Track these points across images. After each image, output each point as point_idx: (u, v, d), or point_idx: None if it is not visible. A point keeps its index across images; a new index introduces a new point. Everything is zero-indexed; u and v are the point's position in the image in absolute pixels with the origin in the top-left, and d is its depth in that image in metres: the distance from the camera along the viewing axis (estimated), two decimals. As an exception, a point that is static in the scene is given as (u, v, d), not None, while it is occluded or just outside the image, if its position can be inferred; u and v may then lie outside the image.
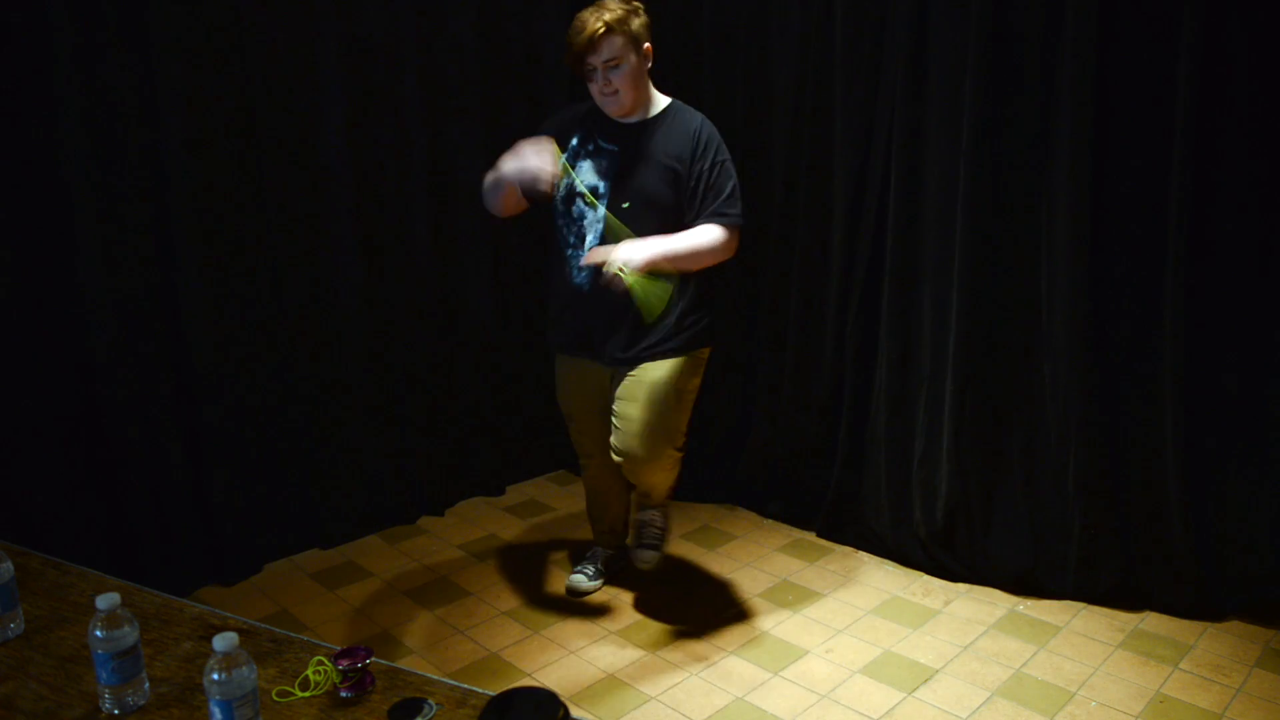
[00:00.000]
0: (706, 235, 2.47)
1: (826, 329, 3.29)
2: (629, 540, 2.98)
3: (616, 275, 2.33)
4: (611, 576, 3.04)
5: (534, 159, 2.35)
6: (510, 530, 3.48)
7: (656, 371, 2.55)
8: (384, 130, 3.26)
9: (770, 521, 3.50)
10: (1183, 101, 2.51)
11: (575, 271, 2.56)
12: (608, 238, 2.47)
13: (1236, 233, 2.56)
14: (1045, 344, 2.85)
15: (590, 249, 2.49)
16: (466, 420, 3.67)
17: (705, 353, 2.67)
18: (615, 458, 2.64)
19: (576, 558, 3.24)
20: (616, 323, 2.54)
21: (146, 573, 2.78)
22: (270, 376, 3.12)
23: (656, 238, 2.41)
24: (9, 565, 1.55)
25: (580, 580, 2.96)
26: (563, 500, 3.75)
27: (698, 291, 2.58)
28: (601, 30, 2.36)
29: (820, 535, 3.38)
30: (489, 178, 2.54)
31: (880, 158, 3.07)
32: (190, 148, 2.82)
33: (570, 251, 2.58)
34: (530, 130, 3.65)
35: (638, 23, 2.44)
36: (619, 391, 2.60)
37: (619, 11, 2.41)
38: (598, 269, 2.42)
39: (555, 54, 3.70)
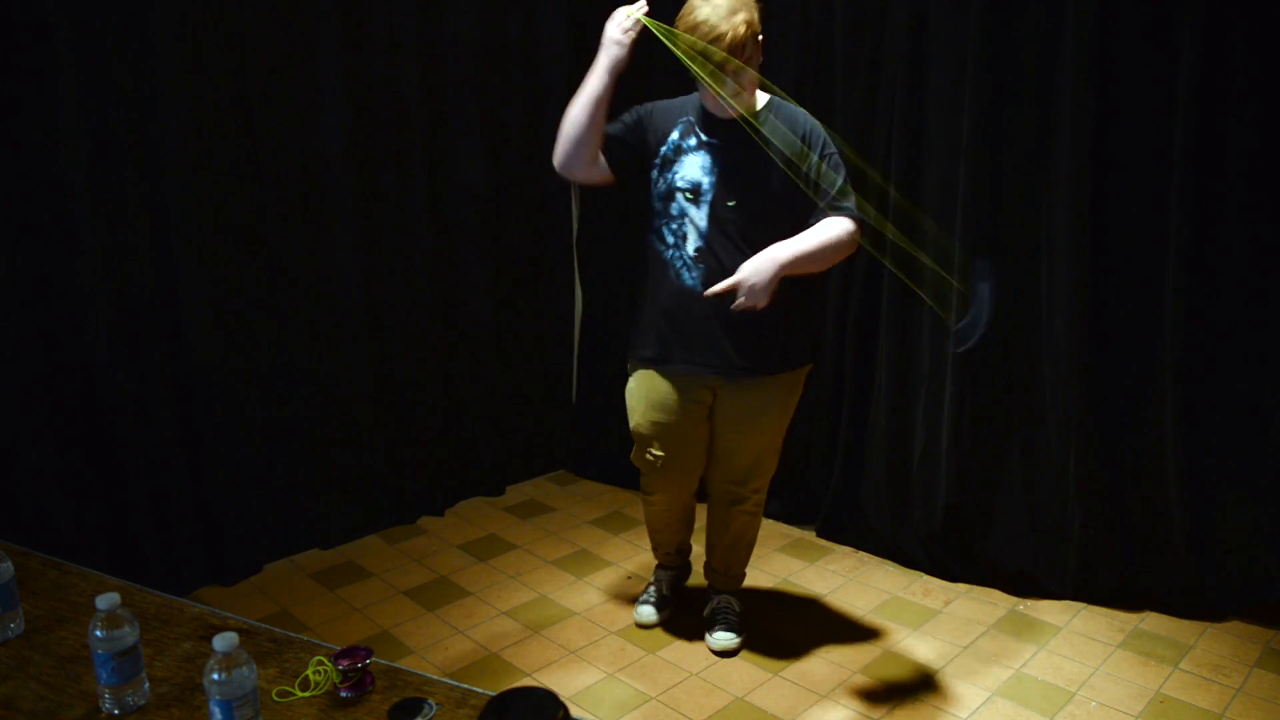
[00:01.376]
0: (834, 228, 2.26)
1: (826, 328, 3.29)
2: (705, 613, 2.77)
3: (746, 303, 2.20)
4: (676, 602, 2.87)
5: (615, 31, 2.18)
6: (510, 530, 3.48)
7: (772, 394, 2.44)
8: (384, 130, 3.26)
9: (770, 521, 3.50)
10: (1183, 101, 2.51)
11: (681, 273, 2.37)
12: (711, 241, 2.32)
13: (1237, 232, 2.56)
14: (1045, 344, 2.85)
15: (696, 250, 2.34)
16: (466, 420, 3.67)
17: (809, 367, 2.54)
18: (729, 486, 2.56)
19: (577, 557, 3.25)
20: (734, 325, 2.34)
21: (146, 573, 2.78)
22: (270, 376, 3.12)
23: (784, 243, 2.23)
24: (9, 565, 1.55)
25: (648, 612, 2.78)
26: (563, 500, 3.75)
27: (812, 302, 2.40)
28: (744, 33, 2.15)
29: (820, 535, 3.38)
30: (575, 107, 2.28)
31: (880, 156, 3.07)
32: (190, 147, 2.82)
33: (671, 253, 2.38)
34: (530, 129, 3.69)
35: (758, 20, 2.22)
36: (732, 420, 2.46)
37: (751, 10, 2.18)
38: (711, 270, 2.31)
39: (555, 54, 3.71)
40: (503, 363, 3.77)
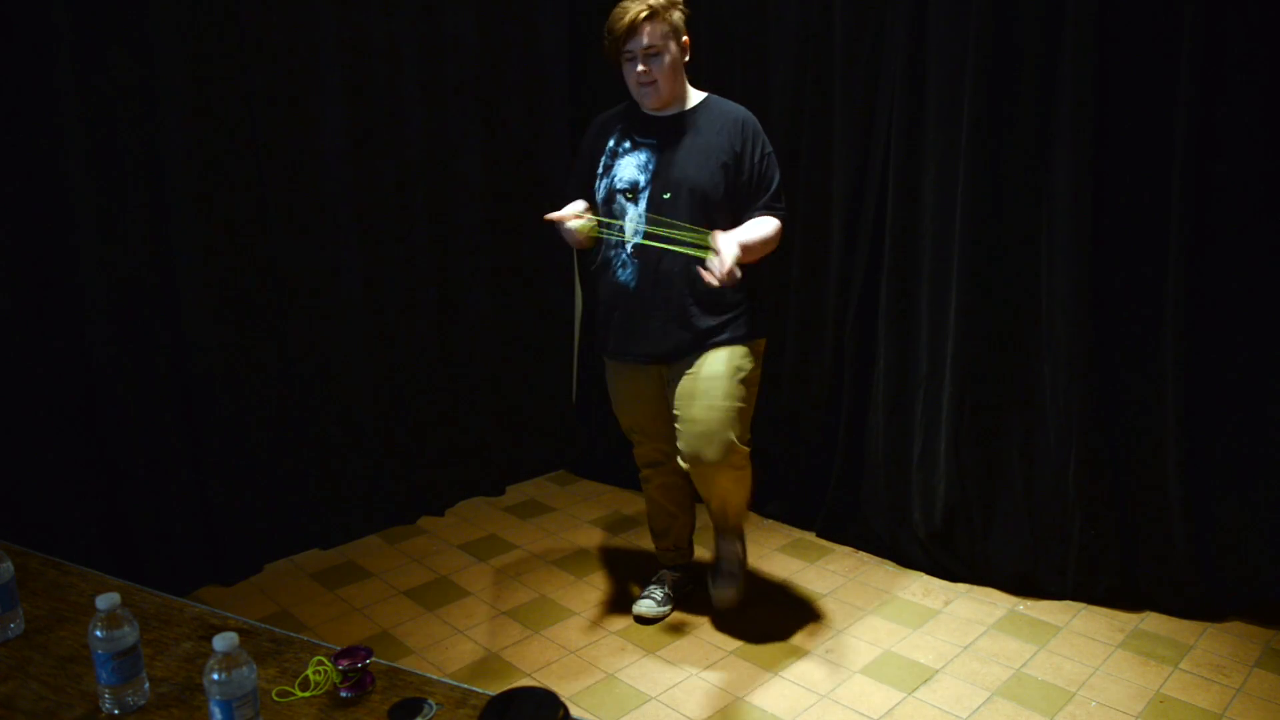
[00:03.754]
0: (768, 226, 2.45)
1: (825, 329, 3.29)
2: (709, 575, 2.78)
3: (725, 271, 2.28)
4: (680, 599, 2.89)
5: (570, 234, 2.47)
6: (510, 530, 3.48)
7: (716, 365, 2.48)
8: (384, 130, 3.26)
9: (770, 521, 3.50)
10: (1184, 99, 2.51)
11: (619, 269, 2.53)
12: (649, 236, 2.44)
13: (1239, 231, 2.56)
14: (1045, 344, 2.85)
15: (634, 246, 2.48)
16: (466, 420, 3.67)
17: (762, 343, 2.61)
18: (683, 464, 2.55)
19: (577, 557, 3.25)
20: (668, 316, 2.49)
21: (146, 573, 2.78)
22: (270, 376, 3.12)
23: (735, 231, 2.37)
24: (9, 565, 1.55)
25: (649, 606, 2.80)
26: (563, 500, 3.76)
27: (747, 281, 2.48)
28: (645, 13, 2.35)
29: (820, 535, 3.38)
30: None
31: (879, 156, 3.07)
32: (190, 148, 2.82)
33: (613, 252, 2.54)
34: (530, 129, 3.69)
35: (678, 14, 2.43)
36: (679, 391, 2.52)
37: (669, 2, 2.40)
38: (645, 265, 2.46)
39: (555, 53, 3.72)
40: (503, 363, 3.77)
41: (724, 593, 2.70)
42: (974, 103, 2.78)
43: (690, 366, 2.51)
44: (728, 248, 2.27)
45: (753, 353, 2.56)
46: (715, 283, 2.26)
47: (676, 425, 2.56)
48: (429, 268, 3.46)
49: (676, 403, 2.54)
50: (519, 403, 3.87)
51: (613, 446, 3.85)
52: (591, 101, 3.81)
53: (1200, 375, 2.65)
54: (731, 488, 2.60)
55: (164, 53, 2.73)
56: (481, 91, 3.52)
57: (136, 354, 2.80)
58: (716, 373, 2.48)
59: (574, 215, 2.47)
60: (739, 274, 2.28)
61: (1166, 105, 2.55)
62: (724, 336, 2.50)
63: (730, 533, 2.74)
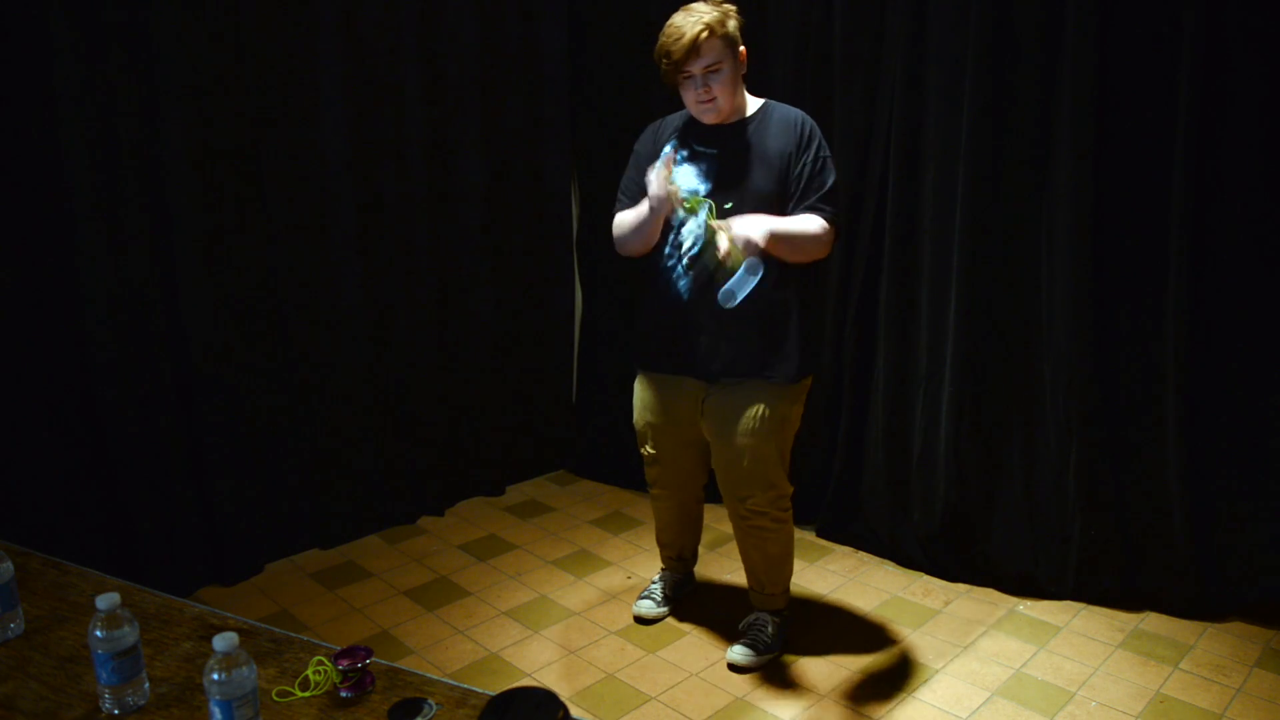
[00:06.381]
0: (811, 224, 2.32)
1: (825, 329, 3.29)
2: (740, 625, 2.70)
3: (727, 252, 2.21)
4: (680, 600, 2.92)
5: (656, 187, 2.31)
6: (510, 530, 3.48)
7: (760, 401, 2.40)
8: (384, 131, 3.26)
9: (770, 521, 3.50)
10: (1185, 100, 2.51)
11: (674, 281, 2.43)
12: (708, 245, 2.35)
13: (1239, 231, 2.56)
14: (1045, 344, 2.85)
15: (690, 256, 2.39)
16: (466, 420, 3.67)
17: (809, 381, 2.52)
18: (729, 501, 2.52)
19: (577, 557, 3.25)
20: (719, 333, 2.40)
21: (146, 573, 2.78)
22: (270, 376, 3.12)
23: (766, 216, 2.28)
24: (9, 565, 1.55)
25: (649, 606, 2.81)
26: (563, 500, 3.75)
27: (811, 314, 2.44)
28: (704, 34, 2.25)
29: (820, 535, 3.39)
30: (630, 218, 2.43)
31: (879, 157, 3.07)
32: (190, 148, 2.82)
33: (668, 262, 2.44)
34: (530, 129, 3.69)
35: (734, 25, 2.33)
36: (717, 418, 2.45)
37: (716, 14, 2.29)
38: (699, 278, 2.36)
39: (555, 53, 3.72)
40: (503, 363, 3.77)
41: (736, 657, 2.56)
42: (974, 103, 2.78)
43: (732, 394, 2.43)
44: (739, 225, 2.21)
45: (799, 392, 2.47)
46: (722, 248, 2.20)
47: (717, 464, 2.51)
48: (429, 267, 3.46)
49: (711, 431, 2.49)
50: (519, 403, 3.86)
51: (613, 446, 3.86)
52: (592, 101, 3.81)
53: (1200, 375, 2.64)
54: (763, 540, 2.55)
55: (164, 53, 2.72)
56: (481, 91, 3.51)
57: (136, 354, 2.80)
58: (759, 411, 2.40)
59: (666, 177, 2.30)
60: (756, 240, 2.19)
61: (1167, 105, 2.55)
62: (773, 371, 2.40)
63: (765, 602, 2.67)
